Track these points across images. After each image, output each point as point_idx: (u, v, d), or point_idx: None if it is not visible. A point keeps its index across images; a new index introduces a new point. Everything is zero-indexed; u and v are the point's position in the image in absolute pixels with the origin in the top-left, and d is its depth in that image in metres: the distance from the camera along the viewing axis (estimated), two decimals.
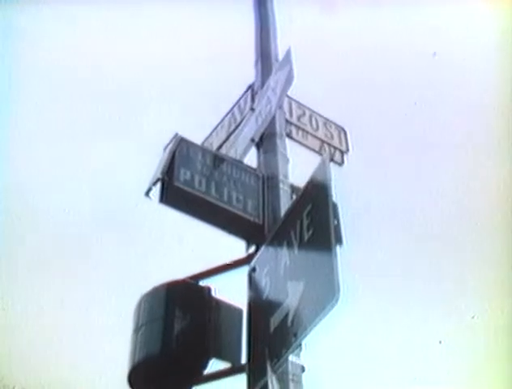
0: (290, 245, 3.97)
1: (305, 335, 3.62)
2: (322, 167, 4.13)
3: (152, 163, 4.74)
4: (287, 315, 3.76)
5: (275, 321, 3.86)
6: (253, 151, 5.39)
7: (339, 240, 4.40)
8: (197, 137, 5.50)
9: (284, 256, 4.01)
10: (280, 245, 4.09)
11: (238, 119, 5.92)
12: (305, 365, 4.06)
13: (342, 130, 6.22)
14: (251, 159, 5.35)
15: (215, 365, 4.39)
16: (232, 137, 5.69)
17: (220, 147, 5.79)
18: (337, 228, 4.43)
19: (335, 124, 6.26)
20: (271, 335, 3.90)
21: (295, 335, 3.66)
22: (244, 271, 4.44)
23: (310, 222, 3.87)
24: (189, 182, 4.56)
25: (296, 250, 3.92)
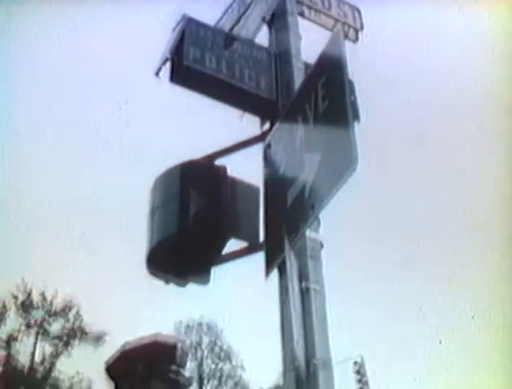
0: (305, 118, 3.88)
1: (323, 207, 3.56)
2: (335, 39, 3.99)
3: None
4: (303, 188, 3.69)
5: (292, 195, 3.80)
6: (264, 34, 5.24)
7: (356, 116, 4.31)
8: None
9: (300, 130, 3.92)
10: (295, 119, 3.99)
11: (248, 1, 5.73)
12: (323, 242, 4.01)
13: (356, 10, 6.03)
14: (263, 41, 5.21)
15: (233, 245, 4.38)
16: (242, 18, 5.52)
17: (232, 29, 5.62)
18: (354, 103, 4.32)
19: (349, 4, 6.06)
20: (288, 210, 3.85)
21: (312, 207, 3.60)
22: (259, 149, 4.37)
23: (325, 93, 3.75)
24: (199, 60, 4.45)
25: (311, 123, 3.82)
